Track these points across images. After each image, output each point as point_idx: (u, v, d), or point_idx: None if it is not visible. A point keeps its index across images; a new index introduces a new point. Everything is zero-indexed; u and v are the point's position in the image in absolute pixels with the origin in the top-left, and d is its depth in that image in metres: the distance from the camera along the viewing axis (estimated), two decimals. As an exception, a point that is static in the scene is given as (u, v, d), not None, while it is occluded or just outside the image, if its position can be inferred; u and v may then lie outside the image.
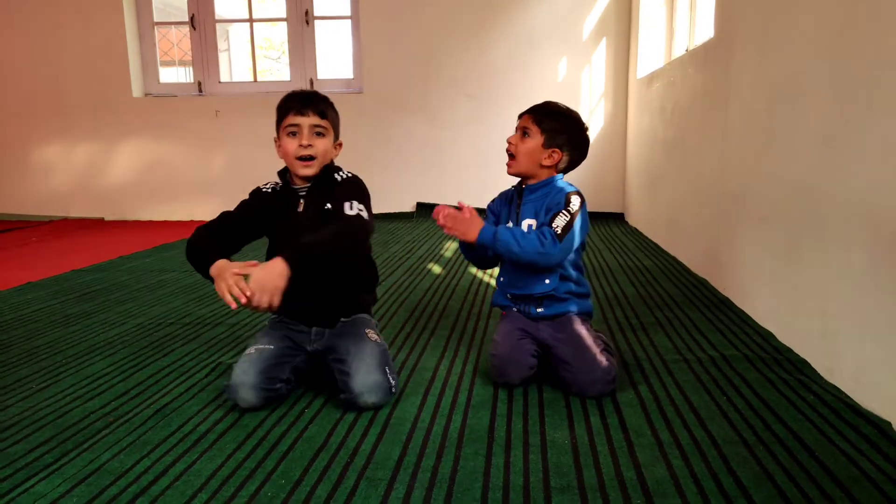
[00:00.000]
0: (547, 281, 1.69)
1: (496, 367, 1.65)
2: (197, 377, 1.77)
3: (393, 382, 1.56)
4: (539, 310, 1.71)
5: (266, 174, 1.82)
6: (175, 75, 7.36)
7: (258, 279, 1.40)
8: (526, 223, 1.69)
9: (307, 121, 1.60)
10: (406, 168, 5.11)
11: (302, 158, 1.60)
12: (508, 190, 1.82)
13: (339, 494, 1.18)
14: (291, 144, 1.61)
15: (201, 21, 5.15)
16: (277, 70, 11.69)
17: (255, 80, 5.34)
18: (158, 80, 5.28)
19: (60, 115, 5.25)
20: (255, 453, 1.34)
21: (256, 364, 1.55)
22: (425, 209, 5.10)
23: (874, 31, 1.49)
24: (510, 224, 1.73)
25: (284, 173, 1.69)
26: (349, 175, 1.68)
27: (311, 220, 1.61)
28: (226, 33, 7.78)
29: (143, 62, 5.24)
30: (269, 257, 1.70)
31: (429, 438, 1.39)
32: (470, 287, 2.76)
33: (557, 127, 1.69)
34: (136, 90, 5.20)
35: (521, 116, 1.74)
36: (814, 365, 1.73)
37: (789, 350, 1.86)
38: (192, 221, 5.16)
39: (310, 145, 1.60)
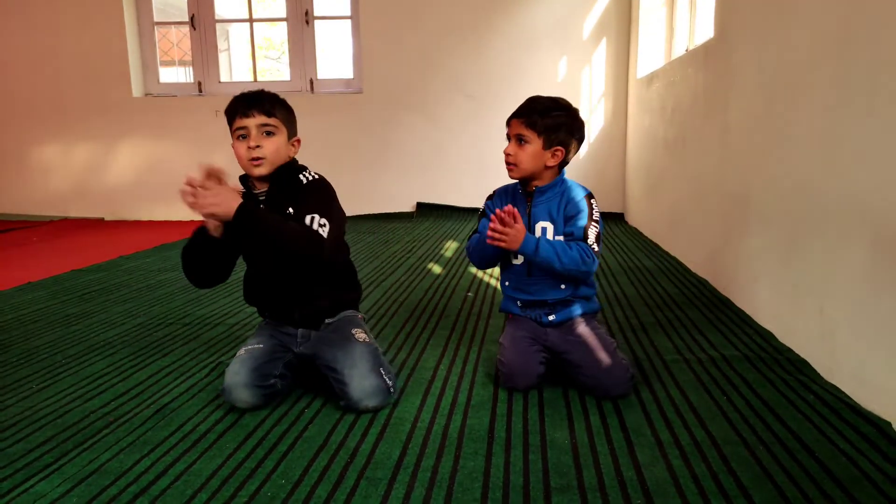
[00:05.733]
0: (563, 286, 1.65)
1: (504, 375, 1.61)
2: (197, 377, 1.77)
3: (390, 383, 1.55)
4: (551, 317, 1.67)
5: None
6: (175, 75, 7.36)
7: (218, 187, 1.48)
8: (539, 226, 1.64)
9: (253, 122, 1.56)
10: (406, 168, 5.10)
11: (252, 160, 1.57)
12: (508, 186, 1.75)
13: (339, 494, 1.18)
14: (241, 148, 1.58)
15: (201, 21, 5.15)
16: (277, 70, 11.70)
17: (255, 80, 5.34)
18: (158, 80, 5.28)
19: (60, 115, 5.25)
20: (255, 453, 1.34)
21: (247, 363, 1.55)
22: (425, 209, 5.10)
23: (874, 30, 1.49)
24: None
25: (245, 179, 1.65)
26: (315, 176, 1.62)
27: None
28: (226, 33, 7.77)
29: (143, 62, 5.24)
30: (248, 263, 1.69)
31: (429, 438, 1.39)
32: (470, 287, 2.76)
33: (552, 124, 1.60)
34: (136, 90, 5.20)
35: (509, 122, 1.65)
36: (814, 365, 1.73)
37: (789, 350, 1.86)
38: (191, 221, 5.15)
39: (258, 146, 1.56)
